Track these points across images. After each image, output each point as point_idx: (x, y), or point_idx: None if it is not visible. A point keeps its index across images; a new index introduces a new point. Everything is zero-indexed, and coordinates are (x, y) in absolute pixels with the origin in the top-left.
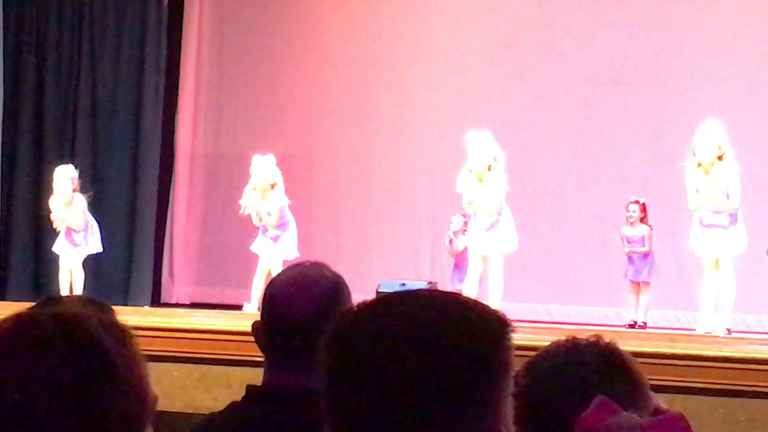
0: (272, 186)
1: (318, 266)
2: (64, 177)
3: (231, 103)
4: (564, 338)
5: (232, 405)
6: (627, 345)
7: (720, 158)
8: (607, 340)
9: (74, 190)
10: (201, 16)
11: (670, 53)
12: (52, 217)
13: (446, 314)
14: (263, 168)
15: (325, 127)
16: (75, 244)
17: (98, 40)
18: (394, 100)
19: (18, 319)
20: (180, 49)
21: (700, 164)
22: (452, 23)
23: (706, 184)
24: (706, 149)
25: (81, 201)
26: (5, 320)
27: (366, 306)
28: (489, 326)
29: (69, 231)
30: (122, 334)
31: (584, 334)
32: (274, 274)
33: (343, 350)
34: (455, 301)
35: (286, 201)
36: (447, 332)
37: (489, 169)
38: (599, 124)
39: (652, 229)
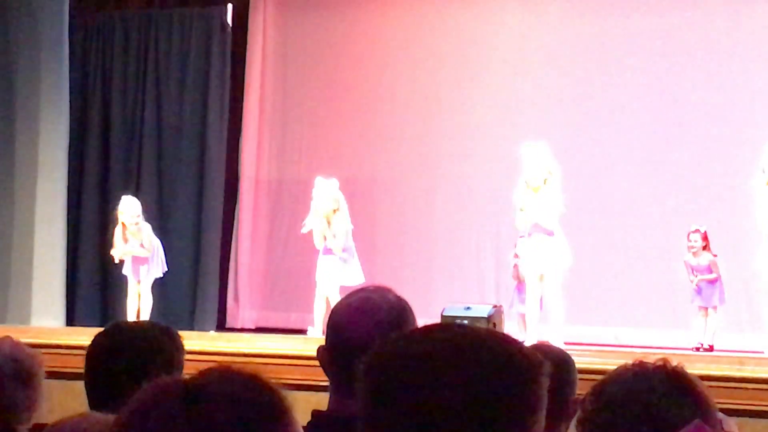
0: (334, 211)
1: (382, 291)
2: (130, 208)
3: (295, 128)
4: (630, 362)
5: None
6: (695, 368)
7: None
8: (674, 363)
9: (137, 224)
10: (264, 42)
11: (732, 71)
12: (115, 252)
13: (483, 342)
14: (325, 194)
15: (389, 151)
16: (139, 274)
17: (163, 67)
18: (458, 123)
19: (153, 387)
20: (244, 75)
21: None
22: (514, 41)
23: None
24: None
25: (147, 229)
26: (139, 398)
27: (404, 334)
28: (526, 358)
29: (135, 259)
30: (273, 412)
31: (651, 357)
32: (331, 299)
33: (380, 374)
34: (492, 336)
35: (350, 226)
36: (482, 364)
37: (544, 182)
38: (663, 140)
39: (716, 256)
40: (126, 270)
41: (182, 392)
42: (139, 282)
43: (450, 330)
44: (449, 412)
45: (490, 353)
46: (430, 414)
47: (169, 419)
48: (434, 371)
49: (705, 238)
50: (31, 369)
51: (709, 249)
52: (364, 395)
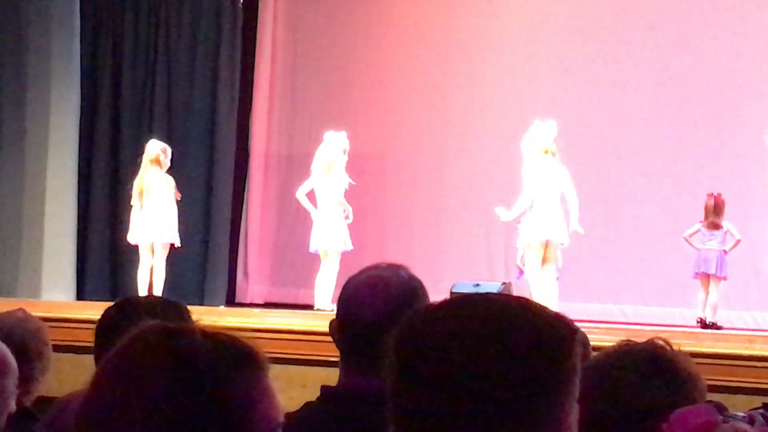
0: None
1: (395, 268)
2: (159, 150)
3: (305, 103)
4: (617, 343)
5: (307, 405)
6: (702, 346)
7: None
8: (662, 343)
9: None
10: (275, 17)
11: (746, 44)
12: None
13: (515, 319)
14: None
15: (399, 127)
16: (151, 237)
17: (173, 42)
18: (468, 100)
19: (132, 338)
20: (254, 50)
21: None
22: (525, 17)
23: None
24: None
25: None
26: (125, 338)
27: (435, 307)
28: (557, 332)
29: (147, 215)
30: (253, 366)
31: (659, 335)
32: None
33: (411, 350)
34: (524, 306)
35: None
36: (516, 337)
37: (553, 155)
38: (673, 117)
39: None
40: (136, 237)
41: (166, 331)
42: (152, 248)
43: (482, 303)
44: (479, 388)
45: (522, 327)
46: (459, 391)
47: (152, 351)
48: (466, 347)
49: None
50: (33, 343)
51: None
52: (393, 371)
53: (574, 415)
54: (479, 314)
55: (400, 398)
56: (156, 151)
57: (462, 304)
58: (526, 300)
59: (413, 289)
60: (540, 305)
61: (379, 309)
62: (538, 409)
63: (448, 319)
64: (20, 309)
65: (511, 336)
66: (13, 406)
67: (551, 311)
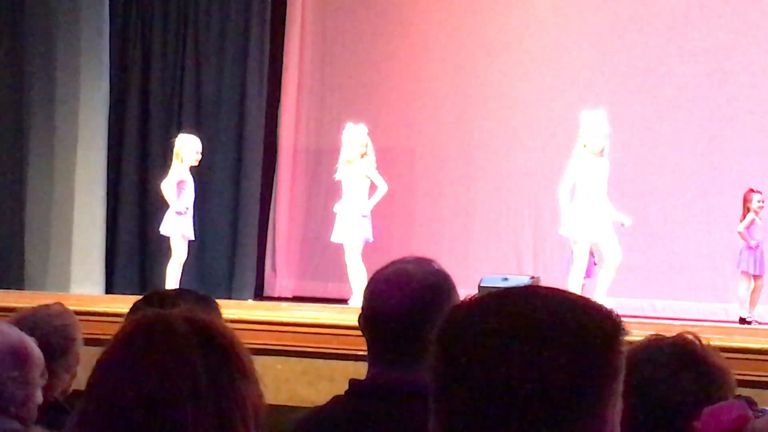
0: (362, 156)
1: (422, 262)
2: (196, 147)
3: (333, 97)
4: (646, 337)
5: (335, 399)
6: (733, 341)
7: None
8: (691, 337)
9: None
10: (304, 13)
11: None
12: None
13: (559, 315)
14: (353, 138)
15: (428, 121)
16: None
17: (202, 36)
18: (497, 93)
19: (147, 321)
20: (283, 44)
21: None
22: (556, 10)
23: None
24: None
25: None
26: (131, 323)
27: (478, 302)
28: (601, 330)
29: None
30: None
31: (688, 329)
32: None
33: (453, 345)
34: (568, 301)
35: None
36: (558, 334)
37: (601, 152)
38: (708, 112)
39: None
40: (172, 228)
41: (181, 316)
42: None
43: (525, 298)
44: (520, 386)
45: (566, 324)
46: (501, 388)
47: (181, 336)
48: (507, 346)
49: (744, 197)
50: (56, 340)
51: (745, 211)
52: (434, 365)
53: (617, 412)
54: (523, 309)
55: (442, 393)
56: (199, 147)
57: (506, 298)
58: (571, 294)
59: (437, 283)
60: (585, 299)
61: (401, 303)
62: (582, 406)
63: (492, 315)
64: (58, 303)
65: (555, 332)
66: (39, 397)
67: (597, 305)
